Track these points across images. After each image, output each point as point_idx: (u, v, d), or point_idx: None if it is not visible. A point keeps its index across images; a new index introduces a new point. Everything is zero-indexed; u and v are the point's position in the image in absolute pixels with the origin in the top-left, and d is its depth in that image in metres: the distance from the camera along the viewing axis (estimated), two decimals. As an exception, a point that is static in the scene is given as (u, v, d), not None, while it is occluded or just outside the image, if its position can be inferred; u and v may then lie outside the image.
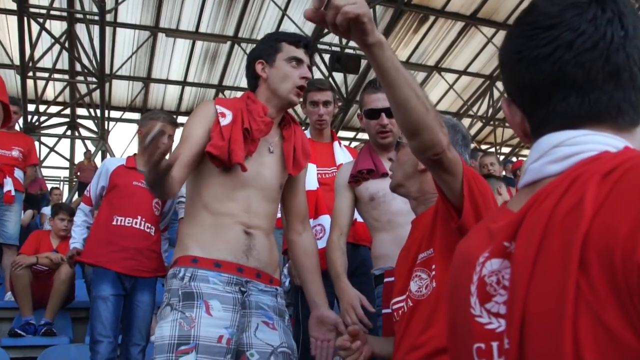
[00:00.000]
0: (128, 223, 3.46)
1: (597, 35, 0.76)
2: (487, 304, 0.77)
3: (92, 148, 13.37)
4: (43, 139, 13.99)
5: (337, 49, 11.98)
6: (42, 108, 13.21)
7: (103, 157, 13.37)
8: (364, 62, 11.63)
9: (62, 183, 14.71)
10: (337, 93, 12.67)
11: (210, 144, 1.97)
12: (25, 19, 10.49)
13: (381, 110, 2.54)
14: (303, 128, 2.48)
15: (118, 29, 12.42)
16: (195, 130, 2.01)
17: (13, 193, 5.15)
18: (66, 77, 12.95)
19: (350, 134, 16.52)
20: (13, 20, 11.08)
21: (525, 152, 16.68)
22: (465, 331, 0.80)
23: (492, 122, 16.15)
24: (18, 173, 5.34)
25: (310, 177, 2.98)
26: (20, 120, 10.98)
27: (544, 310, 0.65)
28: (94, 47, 11.20)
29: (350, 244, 2.85)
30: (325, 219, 2.92)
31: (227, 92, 14.19)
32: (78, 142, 14.75)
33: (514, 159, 13.44)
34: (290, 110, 2.31)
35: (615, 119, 0.78)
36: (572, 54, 0.76)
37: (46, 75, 12.29)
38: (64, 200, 10.13)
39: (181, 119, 14.63)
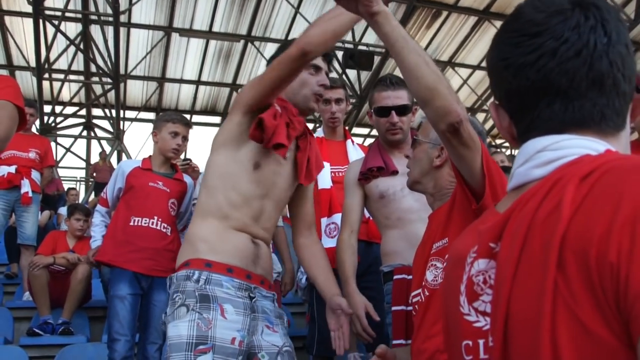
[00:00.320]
0: (145, 223, 3.50)
1: (580, 42, 0.77)
2: (474, 302, 0.80)
3: (107, 148, 13.47)
4: (59, 139, 14.14)
5: (350, 45, 11.96)
6: (58, 109, 13.35)
7: (119, 157, 13.48)
8: (377, 59, 11.59)
9: (78, 183, 14.87)
10: (351, 90, 12.65)
11: (266, 113, 1.96)
12: (41, 21, 10.60)
13: (391, 108, 2.53)
14: (317, 125, 2.48)
15: (132, 30, 12.52)
16: None
17: (30, 194, 5.19)
18: (81, 78, 13.09)
19: (364, 131, 16.51)
20: (29, 22, 11.22)
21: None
22: (456, 329, 0.83)
23: (506, 117, 16.03)
24: (35, 174, 5.36)
25: (324, 176, 2.98)
26: (37, 122, 11.08)
27: (525, 309, 0.67)
28: (108, 48, 11.31)
29: (363, 241, 2.85)
30: (339, 218, 2.91)
31: (240, 91, 14.23)
32: (94, 142, 14.91)
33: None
34: None
35: (599, 124, 0.78)
36: (556, 62, 0.77)
37: (62, 76, 12.43)
38: (80, 200, 10.22)
39: (196, 118, 14.72)
